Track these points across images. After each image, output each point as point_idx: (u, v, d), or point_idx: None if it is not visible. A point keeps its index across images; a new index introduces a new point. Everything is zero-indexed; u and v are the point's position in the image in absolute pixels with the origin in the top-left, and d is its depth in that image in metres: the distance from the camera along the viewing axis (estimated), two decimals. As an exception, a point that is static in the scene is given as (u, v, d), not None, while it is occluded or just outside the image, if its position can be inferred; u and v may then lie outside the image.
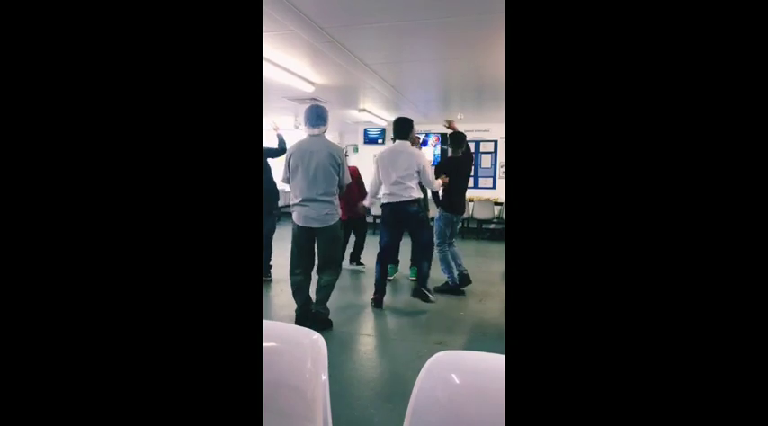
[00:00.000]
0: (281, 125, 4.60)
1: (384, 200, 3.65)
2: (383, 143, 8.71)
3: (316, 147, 3.04)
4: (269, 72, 4.19)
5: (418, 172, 3.58)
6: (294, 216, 3.13)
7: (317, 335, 0.92)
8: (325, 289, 3.17)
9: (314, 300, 3.19)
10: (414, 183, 3.59)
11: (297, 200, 3.08)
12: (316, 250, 3.17)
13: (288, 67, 4.28)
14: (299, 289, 3.17)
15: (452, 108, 6.60)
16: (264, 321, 0.85)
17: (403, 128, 3.68)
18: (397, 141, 3.68)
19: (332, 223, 3.08)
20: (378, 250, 3.76)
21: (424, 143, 8.00)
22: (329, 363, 0.89)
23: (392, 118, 7.53)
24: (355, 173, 4.65)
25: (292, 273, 3.18)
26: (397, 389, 2.29)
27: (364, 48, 3.77)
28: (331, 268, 3.19)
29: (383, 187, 3.65)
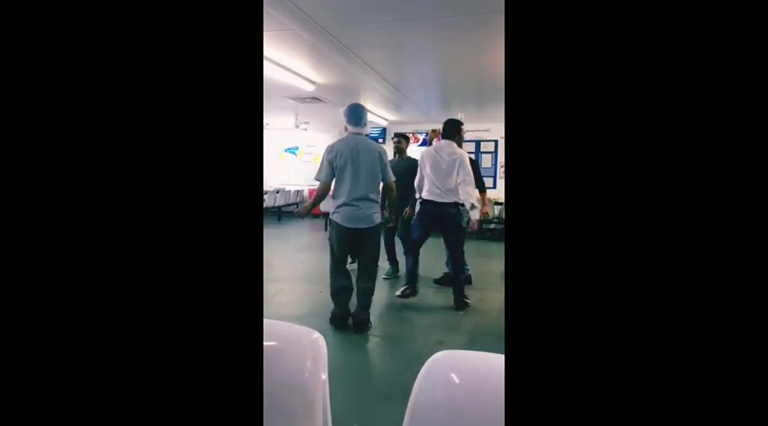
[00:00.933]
0: (282, 124, 4.59)
1: (425, 197, 3.66)
2: (384, 142, 8.72)
3: (363, 146, 2.99)
4: (269, 71, 4.19)
5: (457, 172, 3.57)
6: (337, 217, 3.00)
7: (316, 334, 0.92)
8: (368, 295, 3.14)
9: (356, 307, 3.14)
10: (455, 185, 3.60)
11: (343, 200, 2.96)
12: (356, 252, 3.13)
13: (288, 66, 4.29)
14: (344, 293, 3.11)
15: (453, 107, 6.60)
16: (264, 320, 0.85)
17: (451, 128, 3.72)
18: (444, 140, 3.70)
19: (378, 222, 3.05)
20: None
21: (425, 142, 8.00)
22: (329, 362, 0.89)
23: (393, 117, 7.58)
24: None
25: (338, 278, 3.10)
26: (396, 389, 2.29)
27: (365, 48, 3.77)
28: (371, 271, 3.13)
29: (426, 185, 3.65)
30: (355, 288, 3.16)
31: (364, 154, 2.96)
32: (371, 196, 2.99)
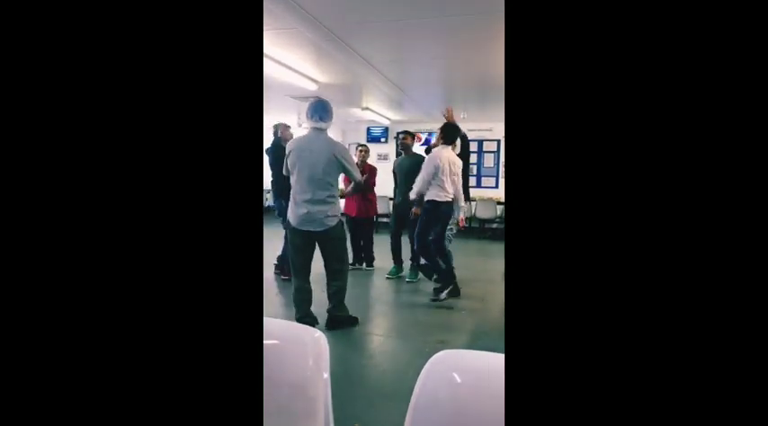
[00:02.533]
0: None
1: (440, 199, 3.74)
2: (386, 141, 8.72)
3: (317, 145, 2.84)
4: (272, 70, 4.19)
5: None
6: (291, 217, 2.91)
7: (318, 333, 0.92)
8: (337, 294, 3.05)
9: (328, 305, 3.08)
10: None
11: (294, 200, 2.87)
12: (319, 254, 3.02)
13: (291, 66, 4.29)
14: (304, 299, 3.00)
15: (456, 107, 6.59)
16: (266, 318, 0.85)
17: (453, 134, 3.88)
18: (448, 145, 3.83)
19: (332, 225, 2.89)
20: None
21: (427, 141, 7.99)
22: (331, 361, 0.89)
23: (395, 117, 7.58)
24: (373, 172, 4.71)
25: (296, 281, 3.00)
26: (398, 388, 2.29)
27: (368, 47, 3.77)
28: (338, 272, 3.03)
29: (447, 186, 3.74)
30: (326, 291, 3.08)
31: (318, 153, 2.81)
32: (327, 198, 2.83)
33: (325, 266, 3.04)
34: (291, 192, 2.90)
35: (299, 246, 2.92)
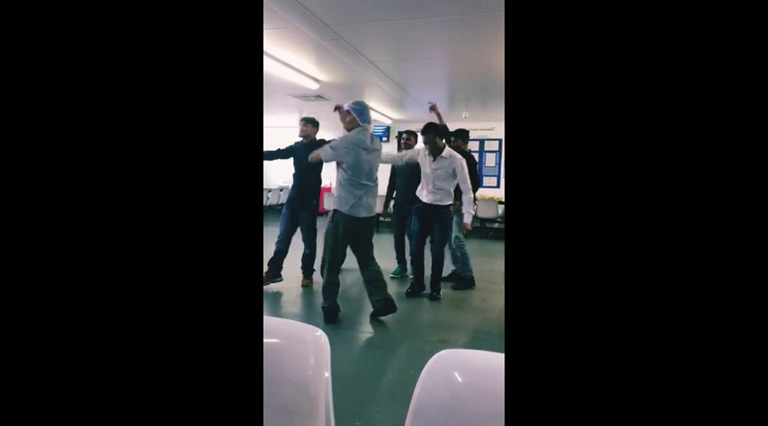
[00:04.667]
0: (286, 122, 4.49)
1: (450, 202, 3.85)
2: (387, 141, 8.72)
3: (371, 144, 3.17)
4: (274, 69, 4.19)
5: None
6: (341, 205, 3.14)
7: (319, 332, 0.92)
8: (380, 276, 3.29)
9: (377, 294, 3.28)
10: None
11: (348, 190, 3.12)
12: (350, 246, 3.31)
13: (293, 65, 4.29)
14: (333, 291, 3.26)
15: (457, 106, 6.60)
16: (266, 317, 0.85)
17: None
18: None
19: (376, 213, 3.30)
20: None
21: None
22: (332, 360, 0.89)
23: (396, 116, 7.58)
24: None
25: (331, 272, 3.24)
26: (399, 387, 2.29)
27: (369, 46, 3.77)
28: (373, 258, 3.31)
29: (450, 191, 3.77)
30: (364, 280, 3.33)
31: (370, 152, 3.18)
32: (373, 189, 3.24)
33: (362, 254, 3.30)
34: (345, 183, 3.11)
35: (349, 232, 3.16)
